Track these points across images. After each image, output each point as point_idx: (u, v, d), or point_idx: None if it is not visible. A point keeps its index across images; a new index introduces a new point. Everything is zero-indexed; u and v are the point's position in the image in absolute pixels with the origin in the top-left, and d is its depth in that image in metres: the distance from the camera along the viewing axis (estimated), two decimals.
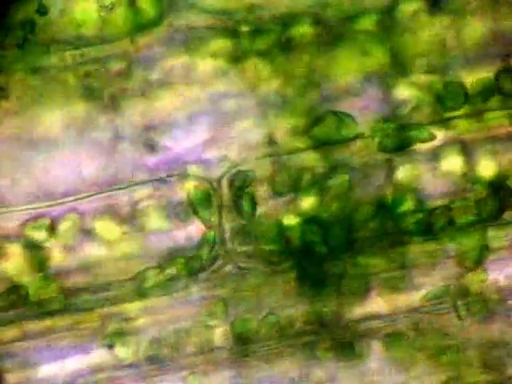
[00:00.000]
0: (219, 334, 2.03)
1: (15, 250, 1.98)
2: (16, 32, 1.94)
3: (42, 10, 1.94)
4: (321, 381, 2.05)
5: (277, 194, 2.00)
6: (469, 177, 2.02)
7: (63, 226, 1.98)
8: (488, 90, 2.00)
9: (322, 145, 1.99)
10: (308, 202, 2.00)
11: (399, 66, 1.99)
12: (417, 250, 2.03)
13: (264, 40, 1.97)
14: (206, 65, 1.97)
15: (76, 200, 1.98)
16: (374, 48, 1.99)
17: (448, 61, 2.00)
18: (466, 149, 2.01)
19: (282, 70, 1.98)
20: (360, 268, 2.02)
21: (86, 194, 1.97)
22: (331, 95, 1.99)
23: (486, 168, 2.02)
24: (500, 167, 2.02)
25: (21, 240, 1.98)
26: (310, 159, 2.00)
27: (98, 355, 2.01)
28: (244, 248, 2.01)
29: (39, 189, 1.97)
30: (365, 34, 1.98)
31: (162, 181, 1.99)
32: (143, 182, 1.98)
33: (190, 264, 2.00)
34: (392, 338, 2.05)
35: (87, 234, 1.99)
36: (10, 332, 2.00)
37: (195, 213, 1.99)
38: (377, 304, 2.04)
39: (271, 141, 1.99)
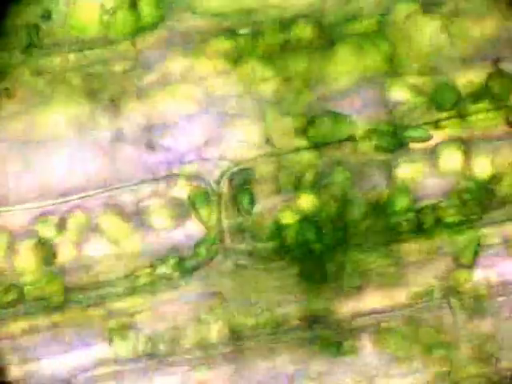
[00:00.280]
0: (217, 330, 2.03)
1: (18, 247, 1.99)
2: (20, 35, 1.96)
3: (46, 14, 1.95)
4: (317, 376, 2.05)
5: (275, 192, 2.01)
6: (461, 176, 2.02)
7: (67, 224, 1.99)
8: (479, 92, 2.01)
9: (318, 145, 2.00)
10: (305, 201, 2.01)
11: (394, 68, 2.00)
12: (410, 247, 2.03)
13: (262, 42, 1.98)
14: (205, 66, 1.99)
15: (78, 199, 1.98)
16: (370, 50, 2.00)
17: (442, 63, 2.01)
18: (459, 149, 2.02)
19: (280, 72, 1.99)
20: (355, 265, 2.03)
21: (87, 193, 1.98)
22: (328, 96, 2.00)
23: (479, 168, 2.02)
24: (493, 167, 2.03)
25: (24, 237, 1.99)
26: (308, 159, 2.00)
27: (100, 350, 2.01)
28: (242, 246, 2.01)
29: (43, 188, 1.98)
30: (361, 36, 2.00)
31: (161, 180, 2.00)
32: (143, 182, 1.99)
33: (187, 262, 2.01)
34: (386, 334, 2.05)
35: (90, 232, 1.99)
36: (13, 326, 2.00)
37: (194, 211, 2.00)
38: (371, 300, 2.04)
39: (269, 141, 2.00)
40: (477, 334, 2.05)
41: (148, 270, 2.00)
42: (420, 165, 2.02)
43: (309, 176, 2.01)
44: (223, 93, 1.99)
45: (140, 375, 2.03)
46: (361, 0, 1.99)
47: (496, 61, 2.02)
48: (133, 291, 2.01)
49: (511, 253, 2.05)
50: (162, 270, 2.00)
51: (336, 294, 2.04)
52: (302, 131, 2.00)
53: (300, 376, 2.05)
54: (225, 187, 2.00)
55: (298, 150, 2.01)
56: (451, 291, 2.05)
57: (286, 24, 1.99)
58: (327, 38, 2.00)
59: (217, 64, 1.99)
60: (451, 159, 2.02)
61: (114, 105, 1.98)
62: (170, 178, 2.00)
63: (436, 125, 2.01)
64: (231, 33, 1.99)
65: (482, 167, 2.02)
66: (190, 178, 2.00)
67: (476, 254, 2.04)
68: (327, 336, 2.05)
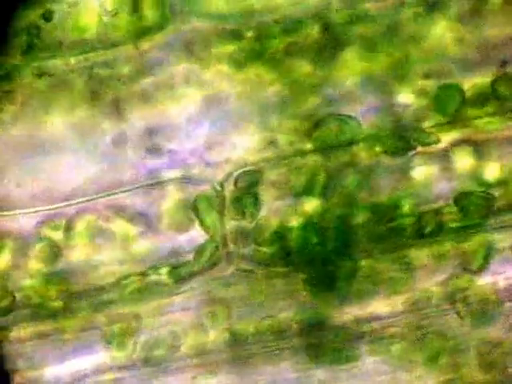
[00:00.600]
0: (218, 336, 2.02)
1: (23, 252, 1.99)
2: (21, 37, 1.95)
3: (47, 16, 1.94)
4: (320, 382, 2.04)
5: (280, 196, 2.00)
6: (468, 180, 2.02)
7: (73, 228, 1.99)
8: (485, 95, 2.00)
9: (324, 148, 1.99)
10: (310, 205, 2.00)
11: (400, 71, 1.99)
12: (416, 252, 2.02)
13: (267, 44, 1.97)
14: (208, 69, 1.98)
15: (80, 203, 1.98)
16: (376, 53, 1.99)
17: (448, 66, 2.00)
18: (466, 152, 2.01)
19: (285, 74, 1.98)
20: (360, 270, 2.02)
21: (90, 197, 1.98)
22: (333, 99, 1.99)
23: (487, 172, 2.02)
24: (501, 171, 2.02)
25: (29, 241, 1.98)
26: (313, 162, 2.00)
27: (103, 356, 2.01)
28: (245, 250, 2.00)
29: (45, 192, 1.97)
30: (366, 38, 1.99)
31: (164, 184, 1.99)
32: (146, 185, 1.99)
33: (185, 268, 2.00)
34: (390, 340, 2.04)
35: (92, 236, 1.99)
36: (17, 333, 2.00)
37: (198, 215, 1.99)
38: (376, 306, 2.03)
39: (273, 144, 1.99)
40: (484, 340, 2.05)
41: (148, 274, 2.00)
42: (426, 168, 2.01)
43: (314, 179, 2.00)
44: (227, 96, 1.98)
45: (142, 382, 2.03)
46: (366, 3, 1.98)
47: (502, 64, 2.00)
48: (135, 296, 2.00)
49: None
50: (159, 275, 1.99)
51: (340, 299, 2.03)
52: (307, 134, 1.99)
53: (303, 383, 2.04)
54: (229, 190, 1.99)
55: (302, 153, 2.00)
56: (458, 297, 2.04)
57: (290, 26, 1.98)
58: (332, 40, 1.99)
59: (220, 67, 1.98)
60: (460, 162, 2.01)
61: (117, 108, 1.97)
62: (173, 181, 1.99)
63: (443, 128, 2.01)
64: (235, 35, 1.98)
65: (490, 171, 2.02)
66: (193, 181, 1.99)
67: (486, 259, 2.03)
68: (330, 342, 2.04)
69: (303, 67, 1.99)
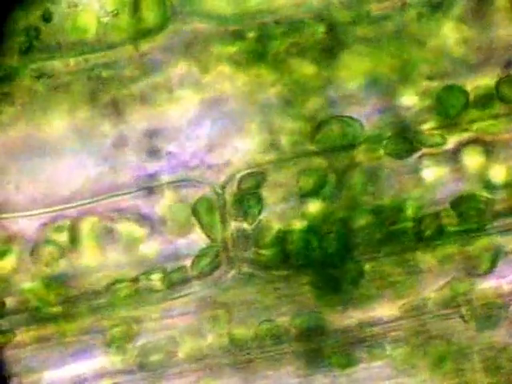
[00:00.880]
0: (219, 340, 2.02)
1: (19, 255, 1.98)
2: (20, 38, 1.94)
3: (46, 16, 1.94)
4: None
5: (282, 198, 1.99)
6: (474, 182, 2.01)
7: (70, 231, 1.98)
8: (489, 97, 1.99)
9: (327, 150, 1.99)
10: (312, 208, 1.99)
11: (404, 72, 1.98)
12: (420, 255, 2.01)
13: (268, 45, 1.96)
14: (210, 70, 1.96)
15: (79, 206, 1.97)
16: (379, 54, 1.98)
17: (452, 67, 1.99)
18: (470, 155, 2.01)
19: (287, 75, 1.97)
20: (363, 274, 2.01)
21: (89, 200, 1.97)
22: (336, 100, 1.98)
23: (495, 174, 2.01)
24: (508, 173, 2.02)
25: (25, 245, 1.98)
26: (315, 164, 1.99)
27: (102, 361, 2.01)
28: (247, 254, 2.00)
29: (44, 194, 1.96)
30: (369, 39, 1.98)
31: (165, 186, 1.98)
32: (146, 188, 1.98)
33: (183, 272, 2.00)
34: (395, 344, 2.03)
35: (90, 238, 1.98)
36: (16, 337, 1.99)
37: (198, 219, 1.98)
38: (379, 310, 2.03)
39: (276, 146, 1.98)
40: (488, 344, 2.04)
41: (150, 277, 1.99)
42: (429, 171, 2.00)
43: (316, 182, 1.99)
44: (228, 97, 1.97)
45: None
46: (369, 3, 1.97)
47: (507, 65, 1.99)
48: (127, 301, 2.00)
49: None
50: (150, 281, 1.99)
51: (343, 303, 2.03)
52: (310, 136, 1.98)
53: None
54: (230, 193, 1.98)
55: (305, 155, 1.99)
56: (462, 301, 2.04)
57: (292, 27, 1.97)
58: (335, 41, 1.98)
59: (222, 68, 1.97)
60: (465, 164, 2.01)
61: (117, 110, 1.96)
62: (174, 184, 1.98)
63: (446, 130, 2.00)
64: (236, 36, 1.96)
65: (497, 173, 2.01)
66: (194, 184, 1.98)
67: (493, 262, 2.02)
68: (331, 347, 2.04)
69: (305, 68, 1.97)
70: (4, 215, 1.97)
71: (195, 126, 1.97)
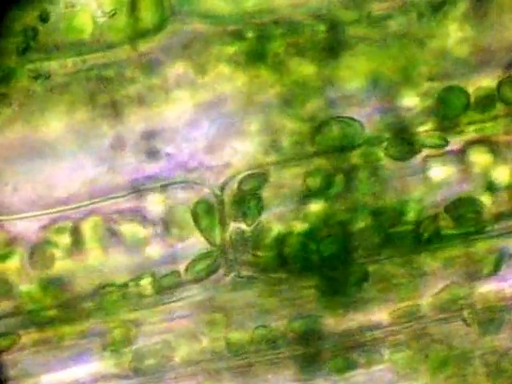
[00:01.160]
0: (218, 344, 2.02)
1: (18, 257, 1.97)
2: (18, 38, 1.93)
3: (44, 17, 1.93)
4: None
5: (281, 200, 1.99)
6: (475, 184, 2.01)
7: (64, 234, 1.97)
8: (490, 98, 1.99)
9: (327, 151, 1.98)
10: (312, 209, 1.99)
11: (405, 73, 1.98)
12: (421, 259, 2.01)
13: (267, 45, 1.95)
14: (209, 71, 1.95)
15: (76, 208, 1.96)
16: (380, 54, 1.97)
17: (453, 68, 1.99)
18: (470, 155, 2.00)
19: (286, 76, 1.96)
20: (364, 276, 2.01)
21: (87, 202, 1.96)
22: (336, 101, 1.97)
23: (497, 175, 2.01)
24: (511, 175, 2.02)
25: (23, 246, 1.97)
26: (315, 165, 1.98)
27: (100, 365, 2.01)
28: (246, 257, 1.99)
29: (42, 196, 1.96)
30: (370, 40, 1.97)
31: (163, 188, 1.97)
32: (144, 190, 1.97)
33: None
34: (396, 348, 2.03)
35: (86, 242, 1.98)
36: (12, 341, 1.99)
37: (197, 221, 1.98)
38: (381, 313, 2.03)
39: (275, 147, 1.97)
40: (491, 348, 2.04)
41: (145, 281, 1.98)
42: (430, 172, 2.00)
43: (317, 183, 1.98)
44: (227, 98, 1.96)
45: None
46: (370, 4, 1.96)
47: (509, 66, 1.99)
48: (131, 303, 2.00)
49: None
50: (139, 287, 1.99)
51: (343, 306, 2.02)
52: (310, 137, 1.97)
53: None
54: (229, 195, 1.98)
55: (305, 156, 1.98)
56: (464, 304, 2.04)
57: (292, 27, 1.96)
58: (335, 41, 1.97)
59: (221, 68, 1.96)
60: (468, 165, 2.01)
61: (115, 111, 1.95)
62: (172, 185, 1.97)
63: (448, 131, 1.99)
64: (236, 37, 1.95)
65: (500, 175, 2.01)
66: (193, 186, 1.97)
67: (497, 265, 2.02)
68: (332, 351, 2.03)
69: (305, 69, 1.97)
70: (2, 217, 1.96)
71: (194, 127, 1.97)
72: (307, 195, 1.98)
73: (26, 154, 1.95)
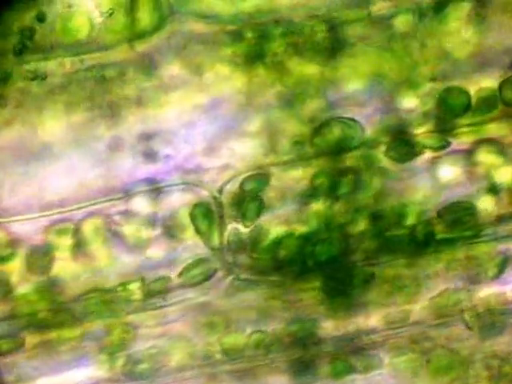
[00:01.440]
0: (217, 347, 2.02)
1: (15, 259, 1.96)
2: (14, 39, 1.92)
3: (41, 17, 1.92)
4: None
5: (280, 202, 1.98)
6: (477, 186, 2.00)
7: (60, 237, 1.96)
8: (492, 99, 1.99)
9: (327, 152, 1.97)
10: (311, 212, 1.98)
11: (406, 73, 1.97)
12: (423, 261, 2.01)
13: (267, 45, 1.95)
14: (207, 71, 1.95)
15: (73, 210, 1.95)
16: (381, 55, 1.96)
17: (454, 69, 1.98)
18: (471, 157, 2.00)
19: (286, 76, 1.95)
20: (365, 279, 2.01)
21: (83, 204, 1.95)
22: (336, 102, 1.97)
23: (499, 177, 2.01)
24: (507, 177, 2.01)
25: (20, 248, 1.96)
26: (315, 166, 1.97)
27: (96, 369, 2.00)
28: (244, 260, 1.99)
29: (37, 198, 1.95)
30: (371, 40, 1.96)
31: (161, 190, 1.96)
32: (142, 192, 1.96)
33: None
34: (396, 352, 2.03)
35: (83, 244, 1.97)
36: (9, 344, 1.98)
37: (195, 223, 1.97)
38: (379, 317, 2.02)
39: (274, 148, 1.97)
40: (492, 352, 2.04)
41: (115, 291, 1.98)
42: (431, 174, 1.99)
43: (316, 184, 1.97)
44: (226, 99, 1.95)
45: None
46: (370, 4, 1.95)
47: (510, 67, 1.99)
48: (125, 307, 1.99)
49: None
50: (127, 291, 1.98)
51: (342, 310, 2.02)
52: (310, 138, 1.97)
53: None
54: (227, 197, 1.97)
55: (305, 157, 1.97)
56: (466, 308, 2.03)
57: (292, 27, 1.95)
58: (335, 42, 1.96)
59: (220, 69, 1.95)
60: (459, 169, 2.00)
61: (113, 111, 1.94)
62: (170, 187, 1.96)
63: (449, 133, 1.99)
64: (235, 37, 1.95)
65: (502, 176, 2.01)
66: (191, 187, 1.97)
67: (501, 268, 2.02)
68: (331, 355, 2.03)
69: (305, 69, 1.96)
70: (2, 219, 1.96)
71: (192, 129, 1.96)
72: (306, 197, 1.98)
73: (23, 155, 1.94)
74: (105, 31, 1.93)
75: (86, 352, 2.00)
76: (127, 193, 1.96)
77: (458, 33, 1.97)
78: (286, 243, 1.99)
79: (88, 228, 1.96)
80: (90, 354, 2.00)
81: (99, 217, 1.96)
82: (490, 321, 2.04)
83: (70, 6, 1.93)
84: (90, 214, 1.96)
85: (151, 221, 1.97)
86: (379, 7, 1.96)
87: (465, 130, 1.99)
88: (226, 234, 1.98)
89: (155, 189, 1.96)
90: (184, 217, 1.97)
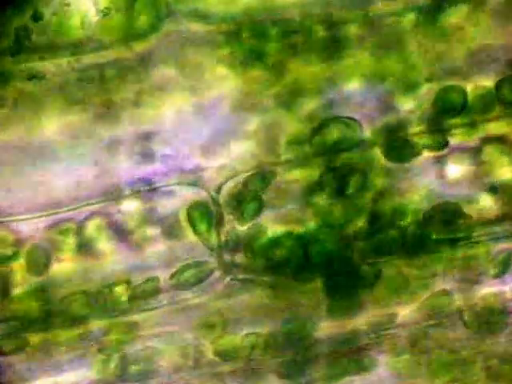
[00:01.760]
0: (216, 347, 2.02)
1: (10, 260, 1.96)
2: (11, 38, 1.91)
3: (37, 16, 1.91)
4: None
5: (278, 202, 1.98)
6: (472, 185, 2.00)
7: (59, 236, 1.96)
8: (489, 99, 1.99)
9: (325, 151, 1.97)
10: (309, 211, 1.98)
11: (403, 73, 1.97)
12: (421, 261, 2.01)
13: (265, 45, 1.94)
14: (205, 71, 1.94)
15: (72, 210, 1.95)
16: (379, 54, 1.96)
17: (452, 69, 1.98)
18: (469, 157, 2.00)
19: (284, 76, 1.95)
20: (364, 278, 2.01)
21: (80, 204, 1.95)
22: (335, 102, 1.96)
23: (494, 177, 2.01)
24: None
25: (16, 249, 1.96)
26: (313, 167, 1.97)
27: (92, 370, 2.01)
28: (242, 260, 1.99)
29: (35, 198, 1.94)
30: (369, 40, 1.96)
31: (158, 190, 1.96)
32: (139, 192, 1.96)
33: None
34: (394, 352, 2.03)
35: (81, 244, 1.96)
36: (8, 344, 1.98)
37: (192, 223, 1.97)
38: (379, 316, 2.02)
39: (273, 148, 1.96)
40: (491, 351, 2.04)
41: (102, 293, 1.98)
42: (430, 173, 2.00)
43: (315, 184, 1.97)
44: (224, 99, 1.95)
45: None
46: (369, 4, 1.95)
47: (507, 66, 1.99)
48: (123, 308, 1.99)
49: None
50: (113, 293, 1.98)
51: (340, 311, 2.02)
52: (308, 138, 1.96)
53: None
54: (225, 196, 1.97)
55: (303, 157, 1.97)
56: (464, 307, 2.03)
57: (290, 27, 1.95)
58: (334, 42, 1.96)
59: (218, 69, 1.94)
60: (457, 168, 2.00)
61: (110, 112, 1.94)
62: (167, 187, 1.96)
63: (448, 132, 1.99)
64: (233, 37, 1.94)
65: (497, 177, 2.01)
66: (189, 187, 1.96)
67: (505, 265, 2.02)
68: (327, 356, 2.03)
69: (304, 69, 1.95)
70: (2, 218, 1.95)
71: (190, 129, 1.95)
72: (305, 197, 1.98)
73: (20, 155, 1.93)
74: (102, 31, 1.92)
75: (82, 353, 1.99)
76: (125, 193, 1.95)
77: (455, 32, 1.97)
78: (284, 243, 1.98)
79: (85, 228, 1.95)
80: (86, 355, 2.00)
81: (97, 217, 1.95)
82: (489, 320, 2.04)
83: (67, 5, 1.92)
84: (88, 214, 1.95)
85: (148, 221, 1.96)
86: (377, 7, 1.95)
87: (463, 129, 1.99)
88: (223, 234, 1.97)
89: (153, 189, 1.96)
90: (182, 217, 1.96)
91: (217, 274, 1.99)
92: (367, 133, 1.97)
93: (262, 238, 1.98)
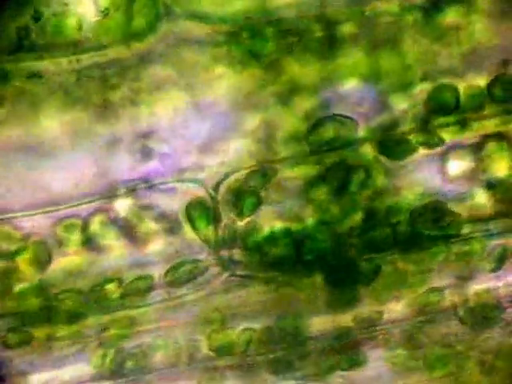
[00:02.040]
0: (214, 343, 2.03)
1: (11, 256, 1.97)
2: (10, 38, 1.91)
3: (37, 16, 1.92)
4: None
5: (275, 200, 1.98)
6: (468, 184, 2.01)
7: (61, 234, 1.97)
8: (481, 97, 1.99)
9: (321, 150, 1.97)
10: (306, 209, 1.99)
11: (399, 72, 1.97)
12: (416, 256, 2.01)
13: (262, 45, 1.95)
14: (203, 71, 1.95)
15: (71, 207, 1.96)
16: (374, 54, 1.97)
17: (447, 67, 1.98)
18: (465, 154, 2.00)
19: (281, 75, 1.96)
20: (357, 274, 2.01)
21: (80, 202, 1.95)
22: (331, 100, 1.97)
23: (490, 174, 2.01)
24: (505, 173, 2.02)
25: (19, 246, 1.96)
26: (310, 164, 1.98)
27: (91, 366, 2.01)
28: (239, 256, 1.99)
29: (34, 196, 1.95)
30: (365, 39, 1.96)
31: (157, 187, 1.97)
32: (138, 189, 1.96)
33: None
34: (390, 347, 2.04)
35: (81, 241, 1.97)
36: (12, 338, 1.99)
37: (191, 220, 1.97)
38: (372, 311, 2.03)
39: (270, 146, 1.97)
40: (486, 346, 2.04)
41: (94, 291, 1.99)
42: (428, 170, 2.00)
43: (311, 183, 1.98)
44: (222, 98, 1.95)
45: None
46: (365, 4, 1.95)
47: (501, 65, 1.99)
48: (120, 304, 2.00)
49: None
50: (104, 291, 1.98)
51: (336, 306, 2.02)
52: (305, 136, 1.96)
53: None
54: (223, 194, 1.97)
55: (300, 155, 1.97)
56: (460, 303, 2.04)
57: (287, 27, 1.95)
58: (330, 41, 1.96)
59: (216, 69, 1.95)
60: (454, 166, 2.01)
61: (109, 110, 1.94)
62: (166, 185, 1.96)
63: (443, 129, 1.99)
64: (230, 37, 1.94)
65: (492, 174, 2.01)
66: (187, 185, 1.97)
67: (500, 261, 2.02)
68: (322, 351, 2.04)
69: (301, 68, 1.96)
70: (3, 215, 1.96)
71: (188, 127, 1.96)
72: (302, 194, 1.98)
73: (20, 154, 1.94)
74: (101, 31, 1.92)
75: (80, 348, 2.00)
76: (123, 191, 1.96)
77: (452, 31, 1.97)
78: (281, 239, 1.99)
79: (88, 226, 1.96)
80: (85, 349, 2.00)
81: (96, 215, 1.96)
82: (484, 316, 2.04)
83: (66, 5, 1.92)
84: (87, 212, 1.96)
85: (147, 218, 1.97)
86: (373, 6, 1.96)
87: (457, 127, 2.00)
88: (221, 230, 1.98)
89: (151, 186, 1.96)
90: (180, 214, 1.97)
91: (214, 270, 1.99)
92: (363, 131, 1.97)
93: (259, 234, 1.99)
